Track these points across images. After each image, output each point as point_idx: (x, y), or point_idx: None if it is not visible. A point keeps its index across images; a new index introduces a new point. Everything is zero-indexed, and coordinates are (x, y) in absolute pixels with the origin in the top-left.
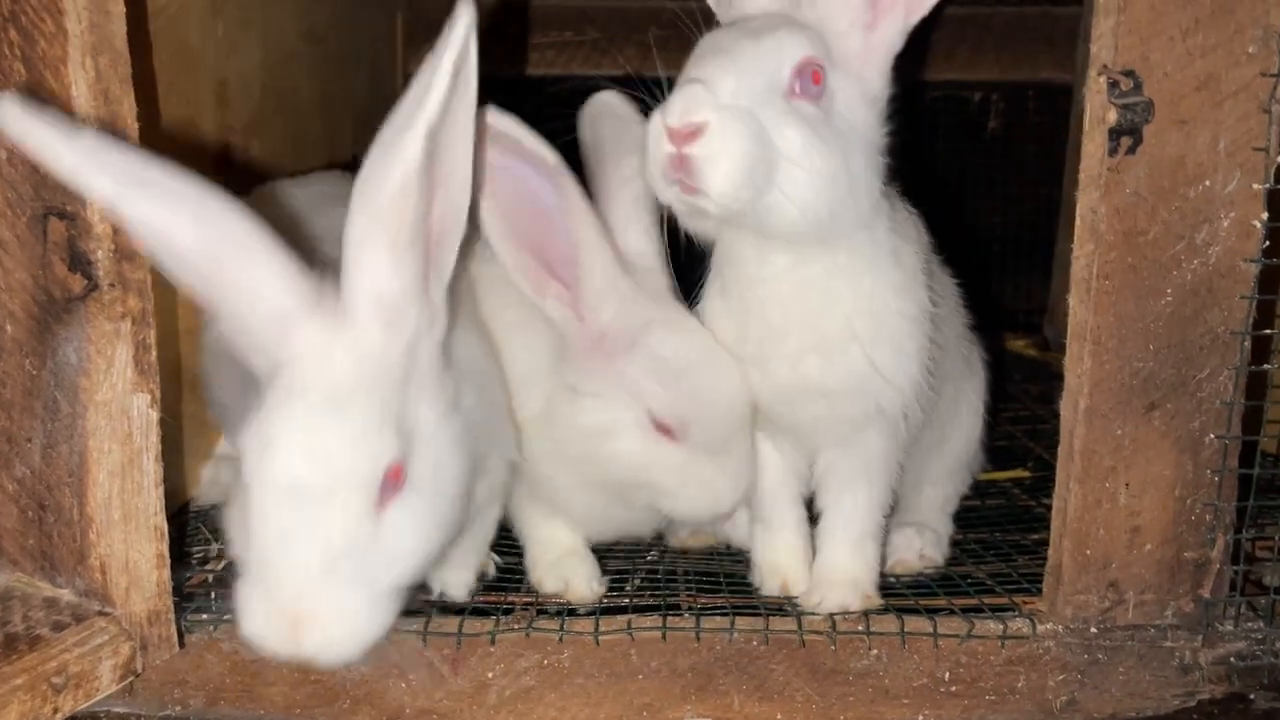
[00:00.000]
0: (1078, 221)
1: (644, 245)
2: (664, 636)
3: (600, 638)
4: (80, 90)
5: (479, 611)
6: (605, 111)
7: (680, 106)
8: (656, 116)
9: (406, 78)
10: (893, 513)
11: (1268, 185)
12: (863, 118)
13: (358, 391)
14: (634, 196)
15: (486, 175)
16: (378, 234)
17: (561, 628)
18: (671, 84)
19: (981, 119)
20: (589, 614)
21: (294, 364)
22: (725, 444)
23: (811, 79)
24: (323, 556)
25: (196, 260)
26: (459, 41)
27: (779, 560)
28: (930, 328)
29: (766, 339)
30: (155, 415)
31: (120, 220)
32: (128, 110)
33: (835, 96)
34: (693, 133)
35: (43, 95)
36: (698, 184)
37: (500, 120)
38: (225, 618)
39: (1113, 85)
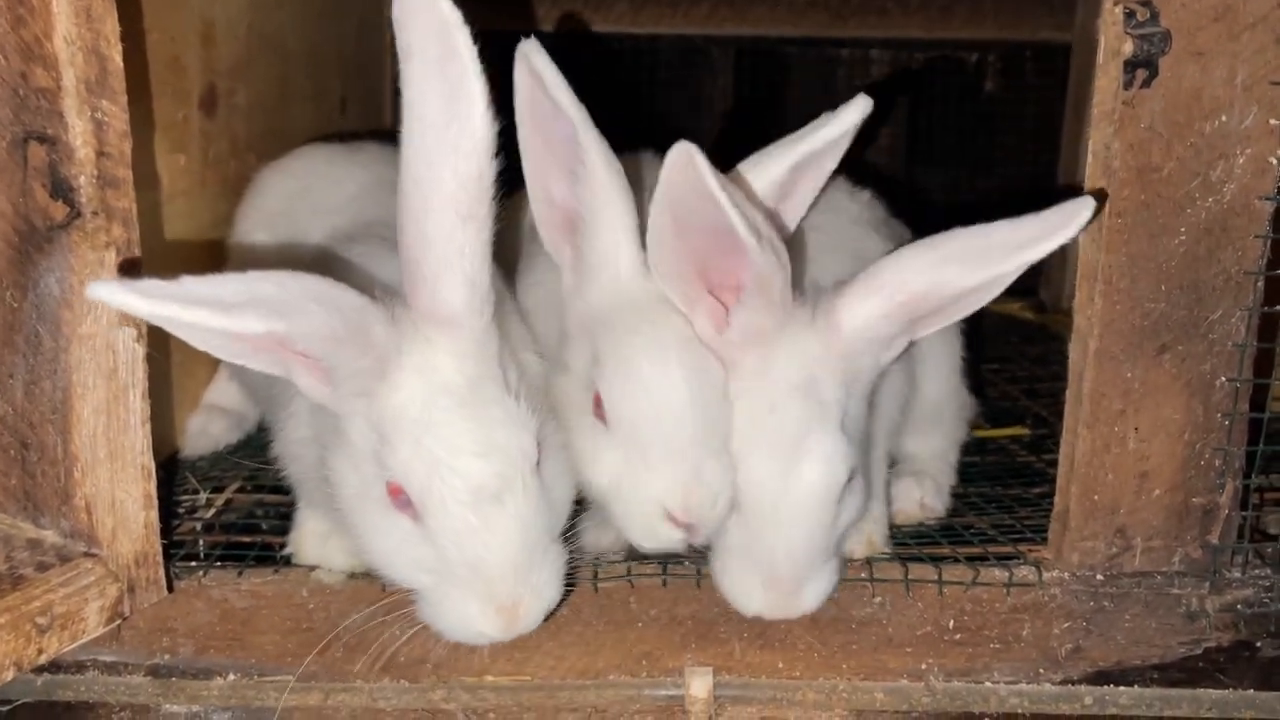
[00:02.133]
0: (1089, 158)
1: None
2: (664, 584)
3: (599, 585)
4: (61, 7)
5: None
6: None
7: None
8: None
9: (394, 36)
10: (892, 465)
11: None
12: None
13: (488, 378)
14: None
15: (529, 105)
16: (469, 233)
17: None
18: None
19: (978, 80)
20: (588, 562)
21: (420, 377)
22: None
23: None
24: (524, 542)
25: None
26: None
27: None
28: None
29: None
30: (142, 350)
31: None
32: (110, 30)
33: None
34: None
35: (21, 11)
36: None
37: (539, 63)
38: (215, 564)
39: (1129, 15)
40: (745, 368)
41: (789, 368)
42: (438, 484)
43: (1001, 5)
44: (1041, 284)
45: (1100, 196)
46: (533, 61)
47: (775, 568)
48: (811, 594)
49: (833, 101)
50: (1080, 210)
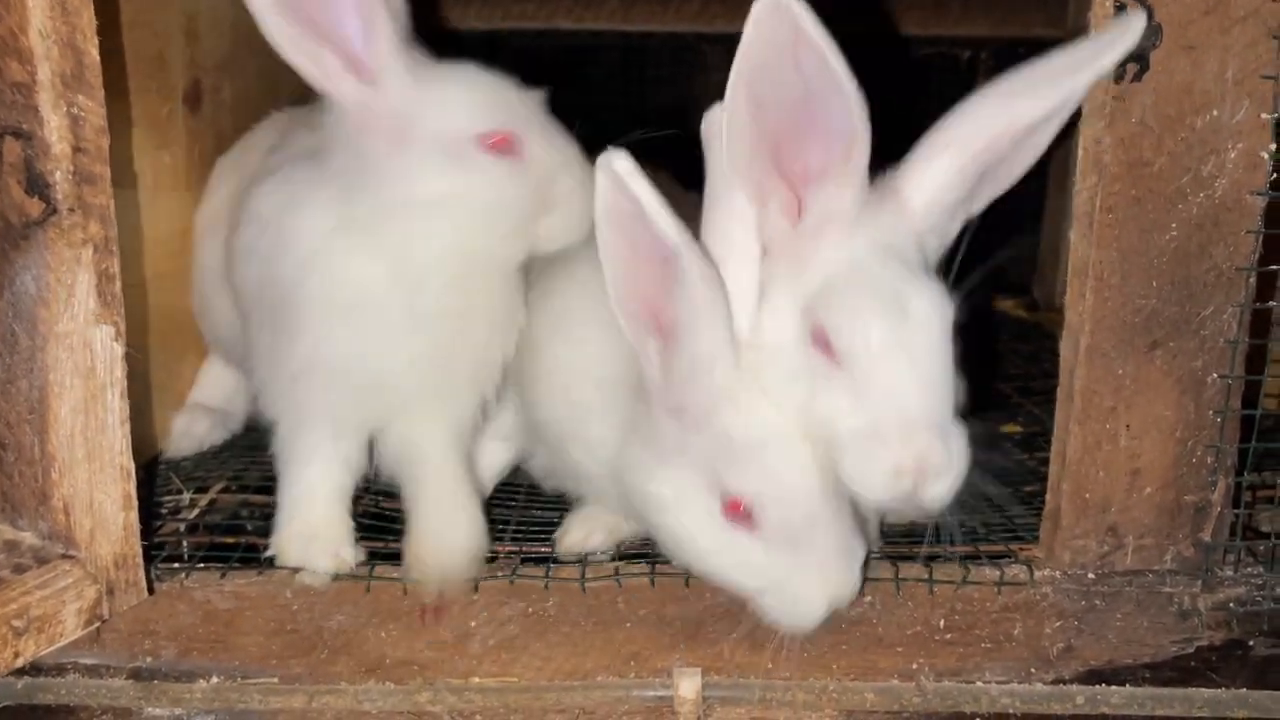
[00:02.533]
0: (1080, 153)
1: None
2: (652, 584)
3: (587, 585)
4: (37, 0)
5: None
6: None
7: (921, 460)
8: (886, 455)
9: None
10: None
11: (1276, 115)
12: None
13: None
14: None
15: (614, 214)
16: None
17: (547, 575)
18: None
19: (970, 77)
20: (575, 561)
21: None
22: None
23: None
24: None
25: None
26: None
27: None
28: None
29: None
30: (120, 349)
31: None
32: (87, 23)
33: None
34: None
35: None
36: (921, 500)
37: (632, 182)
38: (198, 565)
39: (1120, 9)
40: (823, 257)
41: (869, 240)
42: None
43: (994, 2)
44: (1034, 282)
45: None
46: (624, 182)
47: (909, 413)
48: (957, 448)
49: None
50: (1133, 21)
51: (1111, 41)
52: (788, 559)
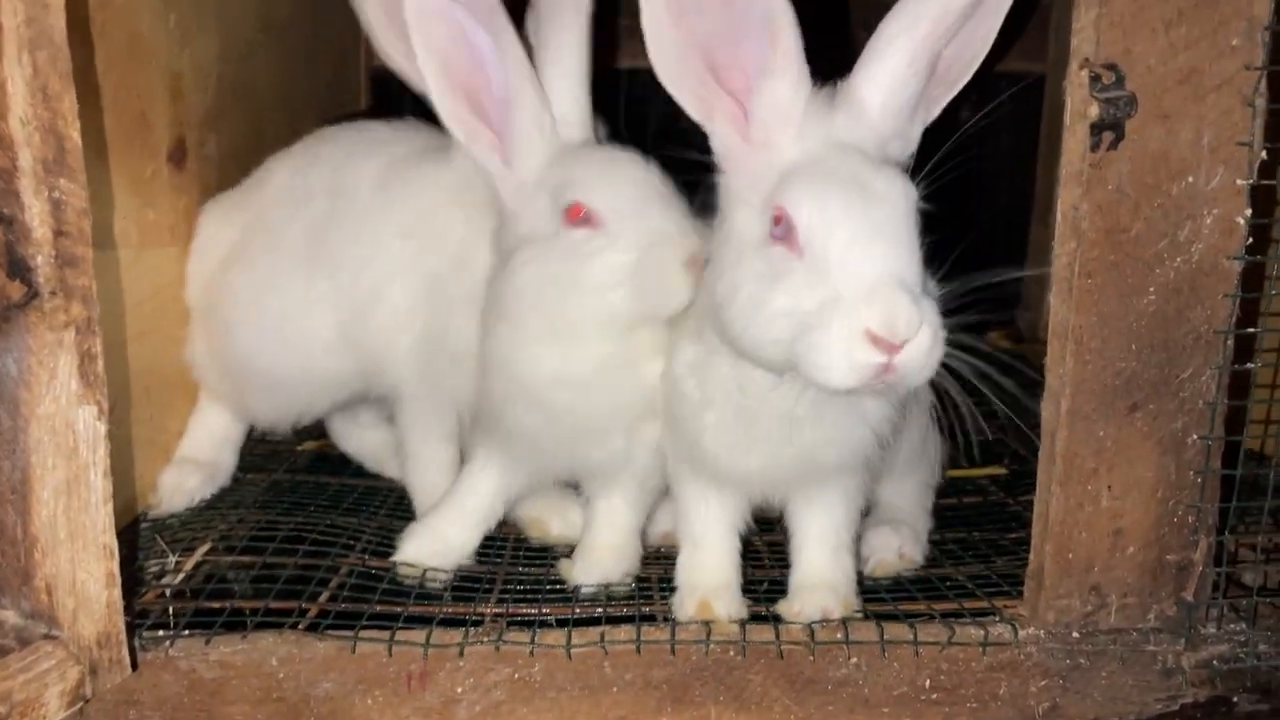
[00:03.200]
0: (1059, 219)
1: (575, 112)
2: (638, 650)
3: (572, 650)
4: (17, 87)
5: (447, 623)
6: None
7: (887, 317)
8: (845, 321)
9: (371, 69)
10: (868, 513)
11: (1251, 181)
12: None
13: None
14: (569, 66)
15: (421, 19)
16: None
17: (533, 640)
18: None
19: (953, 106)
20: (560, 625)
21: None
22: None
23: None
24: None
25: None
26: None
27: (703, 580)
28: None
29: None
30: (103, 428)
31: None
32: (68, 108)
33: None
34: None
35: None
36: (897, 381)
37: None
38: (183, 634)
39: (1094, 79)
40: (778, 157)
41: (825, 137)
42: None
43: None
44: (1019, 312)
45: None
46: None
47: (874, 276)
48: (927, 308)
49: None
50: None
51: None
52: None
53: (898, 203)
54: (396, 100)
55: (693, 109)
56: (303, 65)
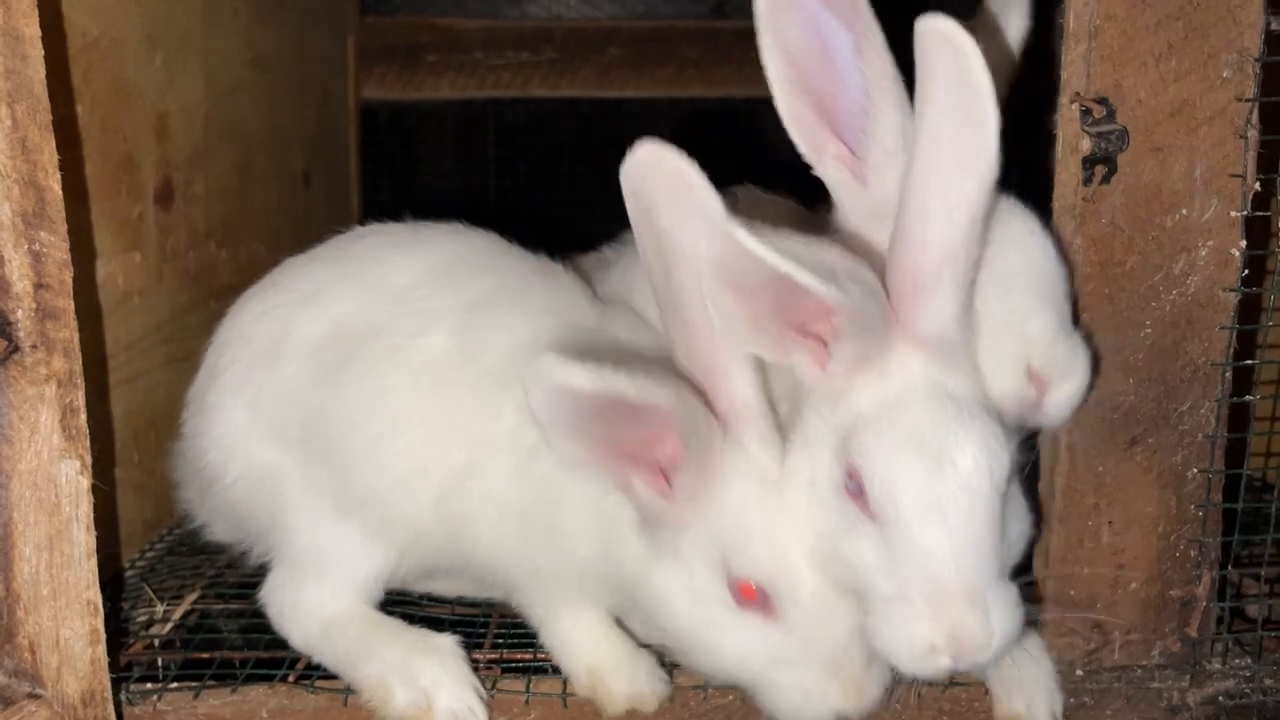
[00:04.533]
0: None
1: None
2: None
3: (568, 699)
4: None
5: None
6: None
7: (952, 633)
8: (912, 620)
9: (359, 102)
10: None
11: (1245, 213)
12: None
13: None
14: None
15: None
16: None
17: (528, 688)
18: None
19: None
20: (557, 671)
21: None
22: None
23: None
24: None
25: None
26: None
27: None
28: None
29: None
30: (86, 482)
31: None
32: (48, 159)
33: None
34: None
35: None
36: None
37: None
38: (171, 687)
39: (1085, 113)
40: (861, 396)
41: (905, 374)
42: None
43: None
44: None
45: None
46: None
47: (943, 582)
48: (999, 619)
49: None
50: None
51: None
52: (800, 647)
53: (984, 482)
54: (384, 138)
55: (771, 354)
56: (290, 102)
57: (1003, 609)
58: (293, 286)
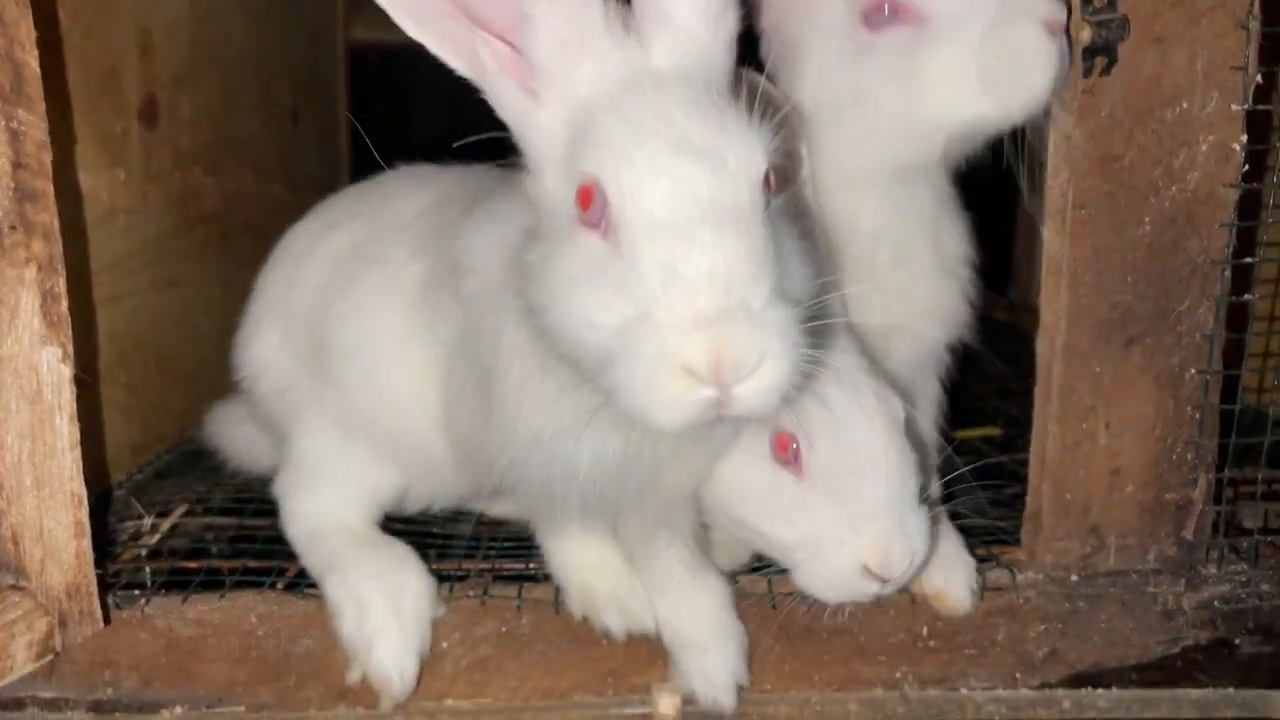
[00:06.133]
0: (1051, 149)
1: None
2: None
3: (560, 605)
4: None
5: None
6: None
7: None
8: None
9: (349, 44)
10: None
11: (1246, 106)
12: None
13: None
14: None
15: None
16: None
17: (520, 594)
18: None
19: None
20: (548, 579)
21: None
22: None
23: None
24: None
25: None
26: None
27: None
28: None
29: None
30: (68, 371)
31: None
32: (25, 34)
33: None
34: None
35: None
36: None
37: None
38: (159, 593)
39: (1086, 1)
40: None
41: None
42: None
43: None
44: (1011, 285)
45: None
46: None
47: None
48: (915, 534)
49: None
50: None
51: None
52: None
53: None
54: (374, 78)
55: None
56: (277, 33)
57: (916, 524)
58: (326, 214)
